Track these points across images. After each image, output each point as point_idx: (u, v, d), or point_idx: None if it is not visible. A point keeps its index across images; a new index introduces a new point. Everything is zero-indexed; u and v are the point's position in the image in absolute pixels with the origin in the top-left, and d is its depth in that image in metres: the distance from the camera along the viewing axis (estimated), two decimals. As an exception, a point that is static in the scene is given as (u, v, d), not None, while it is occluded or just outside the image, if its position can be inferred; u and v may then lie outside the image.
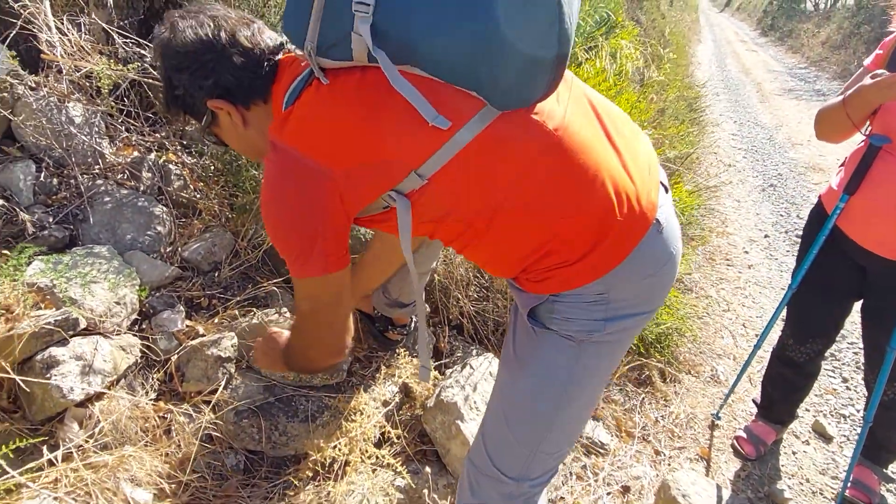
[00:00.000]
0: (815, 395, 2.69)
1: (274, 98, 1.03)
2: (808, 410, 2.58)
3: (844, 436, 2.47)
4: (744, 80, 12.80)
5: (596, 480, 1.97)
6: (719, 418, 2.40)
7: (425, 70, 0.90)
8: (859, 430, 2.32)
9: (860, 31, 14.09)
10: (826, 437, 2.44)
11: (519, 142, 0.95)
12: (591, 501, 1.88)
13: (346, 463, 1.42)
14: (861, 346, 2.09)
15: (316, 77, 0.95)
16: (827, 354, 2.27)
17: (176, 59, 1.01)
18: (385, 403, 1.66)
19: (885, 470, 2.17)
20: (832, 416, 2.57)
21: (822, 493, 2.17)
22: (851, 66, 12.90)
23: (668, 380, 2.52)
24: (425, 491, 1.54)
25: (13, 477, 1.14)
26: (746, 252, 4.07)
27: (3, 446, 1.15)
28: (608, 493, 1.94)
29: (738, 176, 5.69)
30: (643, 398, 2.40)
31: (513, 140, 0.95)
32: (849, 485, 2.11)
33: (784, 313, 2.13)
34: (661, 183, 1.09)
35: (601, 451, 2.09)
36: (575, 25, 0.90)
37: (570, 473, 1.96)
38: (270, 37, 1.05)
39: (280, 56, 1.05)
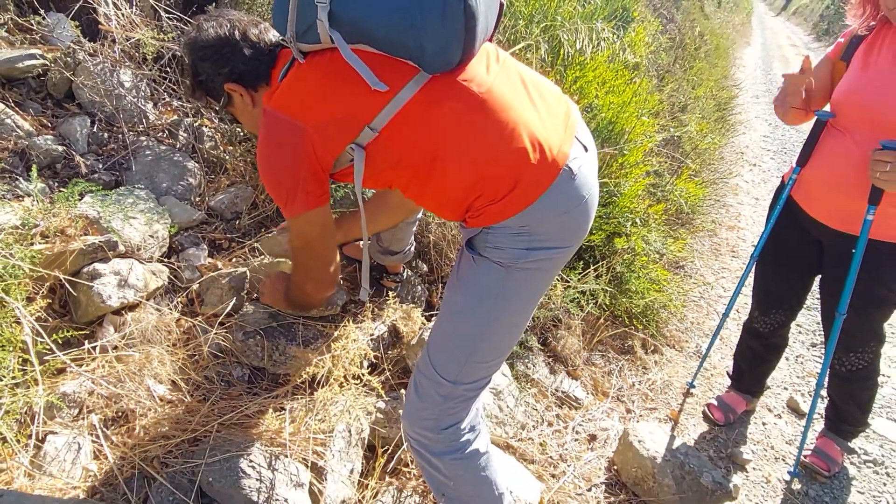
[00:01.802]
0: (797, 377, 2.82)
1: (272, 80, 1.33)
2: (786, 388, 2.72)
3: (819, 413, 2.59)
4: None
5: (566, 428, 2.17)
6: (693, 387, 2.56)
7: (373, 46, 1.17)
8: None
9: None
10: (799, 413, 2.57)
11: (449, 101, 1.20)
12: (557, 444, 2.08)
13: (330, 374, 1.67)
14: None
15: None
16: (817, 342, 2.40)
17: (201, 52, 1.33)
18: (373, 338, 1.90)
19: (848, 443, 2.30)
20: (809, 395, 2.69)
21: (784, 460, 2.32)
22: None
23: (649, 350, 2.69)
24: (401, 412, 1.77)
25: (59, 357, 1.42)
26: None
27: (54, 334, 1.44)
28: (575, 440, 2.14)
29: (761, 176, 5.73)
30: (623, 364, 2.58)
31: (444, 99, 1.20)
32: (810, 452, 2.26)
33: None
34: (580, 141, 1.30)
35: (575, 404, 2.29)
36: (489, 6, 1.18)
37: (543, 420, 2.16)
38: (273, 34, 1.36)
39: (280, 49, 1.35)
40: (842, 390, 2.18)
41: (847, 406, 2.20)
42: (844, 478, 2.25)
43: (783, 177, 2.07)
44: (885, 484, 2.25)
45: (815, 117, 1.90)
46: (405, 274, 2.14)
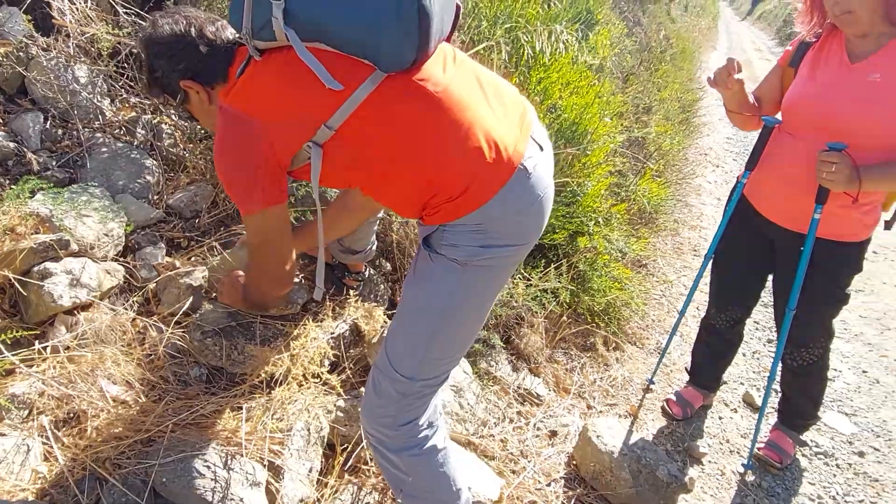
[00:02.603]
0: (753, 372, 2.90)
1: (230, 78, 1.32)
2: (742, 384, 2.79)
3: (773, 407, 2.67)
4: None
5: (527, 424, 2.20)
6: (653, 383, 2.61)
7: (329, 45, 1.18)
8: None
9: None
10: (754, 407, 2.64)
11: (405, 100, 1.21)
12: (518, 440, 2.11)
13: (288, 372, 1.66)
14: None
15: None
16: (773, 338, 2.45)
17: (156, 49, 1.32)
18: (334, 337, 1.90)
19: (800, 436, 2.38)
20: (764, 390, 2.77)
21: (738, 453, 2.39)
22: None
23: (611, 348, 2.74)
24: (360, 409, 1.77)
25: (8, 358, 1.39)
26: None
27: (3, 335, 1.40)
28: (536, 436, 2.17)
29: (724, 177, 5.87)
30: (585, 361, 2.62)
31: (400, 98, 1.21)
32: (763, 444, 2.33)
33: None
34: (536, 141, 1.32)
35: (536, 401, 2.32)
36: (444, 8, 1.20)
37: (504, 416, 2.19)
38: (231, 31, 1.35)
39: (237, 46, 1.34)
40: (794, 384, 2.25)
41: (799, 400, 2.28)
42: (796, 469, 2.32)
43: (737, 178, 2.13)
44: (834, 475, 2.33)
45: (763, 123, 1.96)
46: (367, 273, 2.14)
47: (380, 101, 1.21)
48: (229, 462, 1.45)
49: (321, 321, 1.92)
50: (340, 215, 1.75)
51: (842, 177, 1.66)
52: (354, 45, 1.17)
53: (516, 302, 2.34)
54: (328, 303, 1.95)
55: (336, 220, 1.74)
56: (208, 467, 1.42)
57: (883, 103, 1.68)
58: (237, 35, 1.32)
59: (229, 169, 1.29)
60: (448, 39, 1.41)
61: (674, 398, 2.49)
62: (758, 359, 2.99)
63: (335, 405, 1.78)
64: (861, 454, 2.43)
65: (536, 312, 2.53)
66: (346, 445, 1.73)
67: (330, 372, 1.87)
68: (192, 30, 1.31)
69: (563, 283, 2.65)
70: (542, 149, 1.36)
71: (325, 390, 1.79)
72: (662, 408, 2.50)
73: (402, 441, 1.41)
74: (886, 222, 1.97)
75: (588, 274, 2.76)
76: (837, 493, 2.24)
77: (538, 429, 2.20)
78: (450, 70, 1.29)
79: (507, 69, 2.81)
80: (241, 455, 1.47)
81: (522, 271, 2.44)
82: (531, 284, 2.42)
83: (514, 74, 2.79)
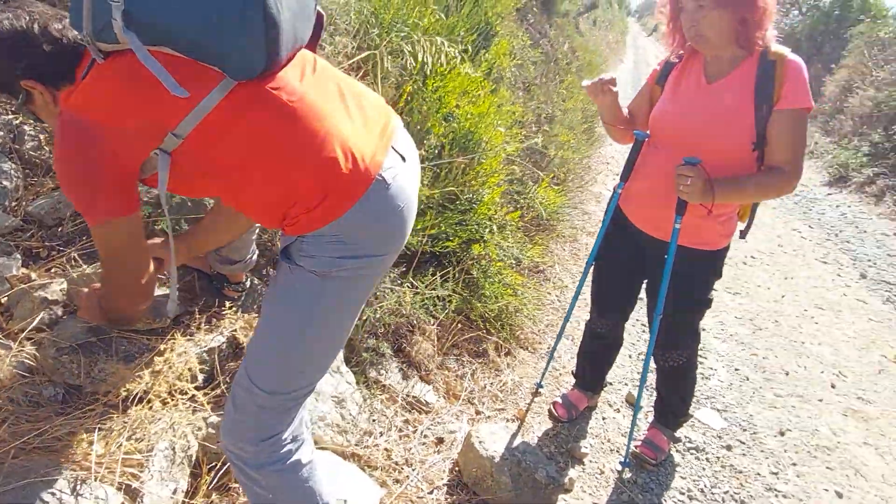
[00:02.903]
0: (637, 374, 3.05)
1: (76, 79, 1.24)
2: (626, 384, 2.93)
3: (653, 406, 2.82)
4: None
5: (414, 432, 2.21)
6: (542, 387, 2.70)
7: (175, 49, 1.13)
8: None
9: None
10: (633, 406, 2.78)
11: (257, 109, 1.19)
12: (404, 448, 2.12)
13: (150, 390, 1.59)
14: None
15: None
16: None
17: None
18: (208, 350, 1.83)
19: (674, 433, 2.52)
20: (647, 389, 2.92)
21: (618, 452, 2.50)
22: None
23: (503, 353, 2.81)
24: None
25: None
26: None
27: None
28: (422, 444, 2.18)
29: (623, 185, 6.15)
30: (476, 367, 2.67)
31: (251, 107, 1.19)
32: (640, 442, 2.45)
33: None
34: (398, 152, 1.33)
35: (425, 408, 2.33)
36: (298, 16, 1.18)
37: (391, 425, 2.19)
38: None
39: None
40: (666, 384, 2.39)
41: (672, 399, 2.42)
42: (670, 465, 2.46)
43: (613, 188, 2.24)
44: (704, 469, 2.49)
45: (635, 137, 2.08)
46: (249, 282, 2.09)
47: (230, 109, 1.18)
48: (78, 487, 1.36)
49: (192, 335, 1.85)
50: (215, 225, 1.69)
51: (696, 189, 1.78)
52: (200, 51, 1.13)
53: (405, 310, 2.35)
54: (198, 315, 1.88)
55: (211, 230, 1.68)
56: (54, 494, 1.33)
57: (732, 122, 1.81)
58: (80, 35, 1.26)
59: (70, 177, 1.21)
60: (312, 48, 1.40)
61: (560, 401, 2.58)
62: (642, 360, 3.15)
63: (206, 422, 1.72)
64: (729, 448, 2.61)
65: (428, 320, 2.55)
66: (214, 464, 1.68)
67: (204, 387, 1.81)
68: (36, 26, 1.21)
69: (451, 289, 2.69)
70: (404, 160, 1.37)
71: (195, 407, 1.72)
72: (549, 411, 2.58)
73: (263, 457, 1.38)
74: (741, 232, 2.13)
75: (480, 281, 2.81)
76: (706, 486, 2.39)
77: (425, 436, 2.22)
78: (308, 79, 1.28)
79: (402, 77, 2.82)
80: (93, 479, 1.39)
81: (411, 279, 2.46)
82: (418, 292, 2.43)
83: (410, 83, 2.80)
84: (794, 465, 2.54)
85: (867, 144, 7.73)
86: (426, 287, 2.47)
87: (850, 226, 6.19)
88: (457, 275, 2.76)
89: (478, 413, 2.45)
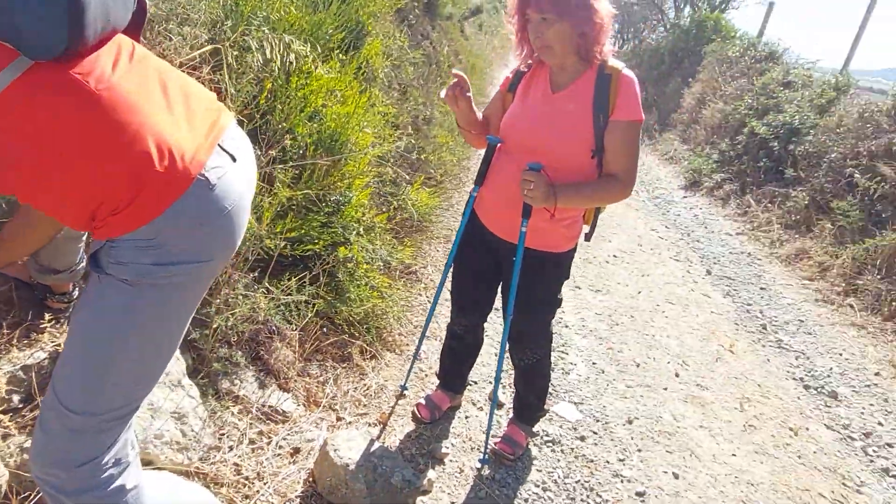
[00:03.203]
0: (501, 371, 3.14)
1: None
2: (490, 382, 3.01)
3: (512, 403, 2.92)
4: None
5: (268, 444, 2.12)
6: (406, 389, 2.70)
7: None
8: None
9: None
10: (498, 405, 2.86)
11: (56, 94, 1.08)
12: (255, 462, 2.03)
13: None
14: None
15: None
16: None
17: None
18: (24, 368, 1.65)
19: (531, 428, 2.62)
20: (510, 388, 3.02)
21: (479, 450, 2.56)
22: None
23: (368, 356, 2.78)
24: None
25: None
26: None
27: None
28: (277, 455, 2.11)
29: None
30: (340, 372, 2.62)
31: (49, 91, 1.07)
32: (499, 439, 2.52)
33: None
34: (226, 151, 1.26)
35: (282, 418, 2.25)
36: None
37: (243, 439, 2.09)
38: None
39: None
40: (523, 382, 2.48)
41: (528, 395, 2.51)
42: (527, 459, 2.55)
43: (469, 192, 2.28)
44: (559, 460, 2.61)
45: (488, 142, 2.13)
46: (77, 292, 1.90)
47: (24, 90, 1.05)
48: None
49: (8, 352, 1.66)
50: (20, 229, 1.51)
51: (539, 194, 1.85)
52: None
53: (260, 316, 2.26)
54: (6, 331, 1.69)
55: (14, 235, 1.50)
56: None
57: (573, 130, 1.91)
58: None
59: None
60: (136, 36, 1.29)
61: (423, 402, 2.60)
62: (506, 359, 3.25)
63: (20, 447, 1.55)
64: (582, 438, 2.75)
65: (287, 325, 2.47)
66: (28, 493, 1.51)
67: (22, 408, 1.63)
68: None
69: (319, 293, 2.63)
70: (235, 160, 1.30)
71: (6, 432, 1.54)
72: (412, 413, 2.59)
73: (81, 483, 1.25)
74: (586, 235, 2.25)
75: (346, 284, 2.77)
76: (559, 477, 2.51)
77: (280, 447, 2.14)
78: (122, 67, 1.17)
79: (261, 74, 2.71)
80: None
81: (267, 284, 2.37)
82: (273, 298, 2.35)
83: (269, 80, 2.69)
84: (640, 451, 2.73)
85: (717, 152, 8.53)
86: (283, 292, 2.38)
87: (701, 226, 6.79)
88: (321, 278, 2.69)
89: (339, 419, 2.41)
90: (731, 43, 11.34)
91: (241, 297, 2.24)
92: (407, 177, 4.04)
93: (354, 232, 2.96)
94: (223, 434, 2.04)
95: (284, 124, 2.75)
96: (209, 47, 2.21)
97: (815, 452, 2.96)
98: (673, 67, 13.59)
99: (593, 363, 3.41)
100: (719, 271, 5.42)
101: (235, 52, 2.42)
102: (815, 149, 6.68)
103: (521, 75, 2.11)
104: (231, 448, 2.01)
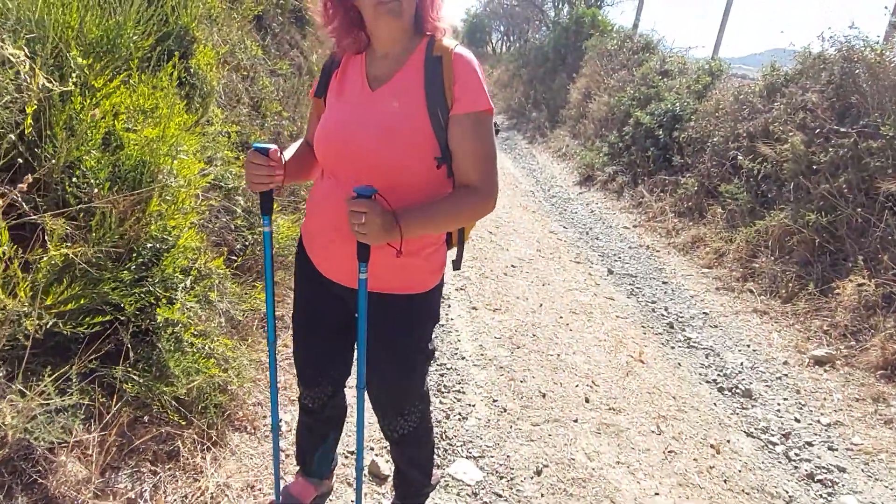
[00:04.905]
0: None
1: None
2: (371, 449, 2.49)
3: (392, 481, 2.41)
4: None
5: None
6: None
7: None
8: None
9: (521, 73, 16.47)
10: (380, 478, 2.35)
11: None
12: None
13: None
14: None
15: None
16: None
17: None
18: None
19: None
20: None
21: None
22: (513, 102, 14.96)
23: (205, 446, 2.17)
24: None
25: None
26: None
27: None
28: None
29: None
30: (163, 477, 2.00)
31: None
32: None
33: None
34: None
35: (65, 568, 1.62)
36: None
37: None
38: None
39: None
40: (401, 456, 1.98)
41: (410, 472, 2.02)
42: (418, 547, 2.05)
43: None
44: (457, 539, 2.13)
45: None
46: None
47: None
48: None
49: None
50: None
51: (375, 228, 1.35)
52: None
53: (10, 434, 1.61)
54: None
55: None
56: None
57: (405, 134, 1.43)
58: None
59: None
60: None
61: (279, 499, 2.03)
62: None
63: None
64: (485, 505, 2.29)
65: (74, 431, 1.83)
66: None
67: None
68: None
69: (130, 373, 2.00)
70: None
71: None
72: (266, 515, 2.02)
73: None
74: (454, 262, 1.78)
75: (168, 356, 2.15)
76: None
77: None
78: None
79: (23, 96, 2.05)
80: None
81: (20, 386, 1.71)
82: (46, 402, 1.69)
83: (32, 102, 2.04)
84: (552, 509, 2.30)
85: (606, 145, 8.47)
86: (56, 390, 1.73)
87: (599, 222, 6.62)
88: (131, 353, 2.07)
89: (157, 549, 1.80)
90: (609, 36, 11.50)
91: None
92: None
93: (181, 286, 2.35)
94: None
95: (60, 159, 2.10)
96: None
97: (739, 471, 2.67)
98: (557, 64, 13.70)
99: (494, 401, 2.97)
100: (620, 269, 5.19)
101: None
102: (698, 134, 6.69)
103: (331, 74, 1.61)
104: None
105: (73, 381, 1.77)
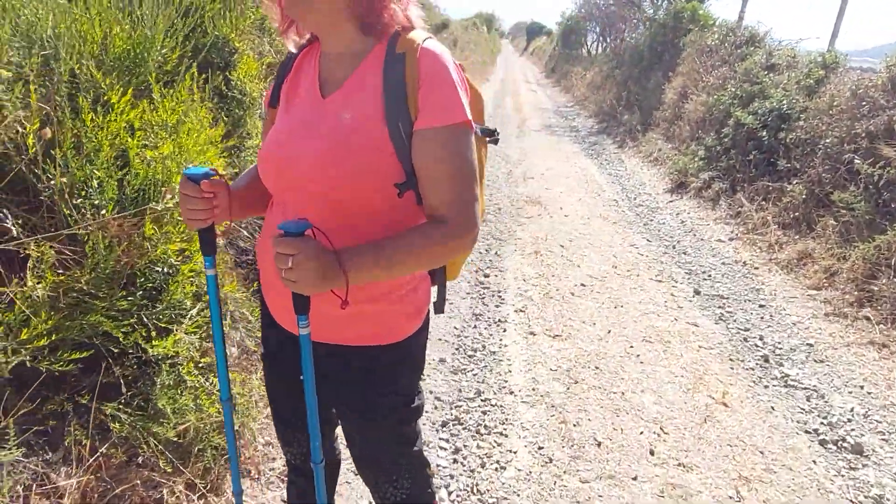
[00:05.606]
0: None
1: None
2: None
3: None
4: (512, 117, 13.53)
5: None
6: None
7: None
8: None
9: (614, 74, 15.71)
10: (392, 537, 2.05)
11: None
12: None
13: None
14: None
15: None
16: None
17: None
18: None
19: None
20: None
21: None
22: (604, 104, 14.26)
23: (200, 493, 1.98)
24: None
25: None
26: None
27: None
28: None
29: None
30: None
31: None
32: None
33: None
34: None
35: None
36: None
37: None
38: None
39: None
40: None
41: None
42: None
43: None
44: None
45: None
46: None
47: None
48: None
49: None
50: None
51: (308, 274, 1.05)
52: None
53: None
54: None
55: None
56: None
57: (354, 155, 1.14)
58: None
59: None
60: None
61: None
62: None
63: None
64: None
65: (54, 476, 1.69)
66: None
67: None
68: None
69: (121, 411, 1.86)
70: None
71: None
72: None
73: None
74: (435, 305, 1.46)
75: (160, 395, 1.99)
76: None
77: None
78: None
79: (53, 102, 1.98)
80: None
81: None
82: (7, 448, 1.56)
83: (58, 109, 1.98)
84: None
85: (703, 148, 7.73)
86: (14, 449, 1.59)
87: (689, 234, 5.98)
88: (124, 389, 1.93)
89: None
90: (709, 31, 10.61)
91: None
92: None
93: (188, 315, 2.20)
94: None
95: (63, 179, 2.01)
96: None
97: (843, 559, 2.13)
98: (653, 63, 12.88)
99: (539, 448, 2.60)
100: (709, 289, 4.60)
101: None
102: (808, 135, 5.89)
103: (284, 76, 1.34)
104: None
105: (11, 433, 1.60)
